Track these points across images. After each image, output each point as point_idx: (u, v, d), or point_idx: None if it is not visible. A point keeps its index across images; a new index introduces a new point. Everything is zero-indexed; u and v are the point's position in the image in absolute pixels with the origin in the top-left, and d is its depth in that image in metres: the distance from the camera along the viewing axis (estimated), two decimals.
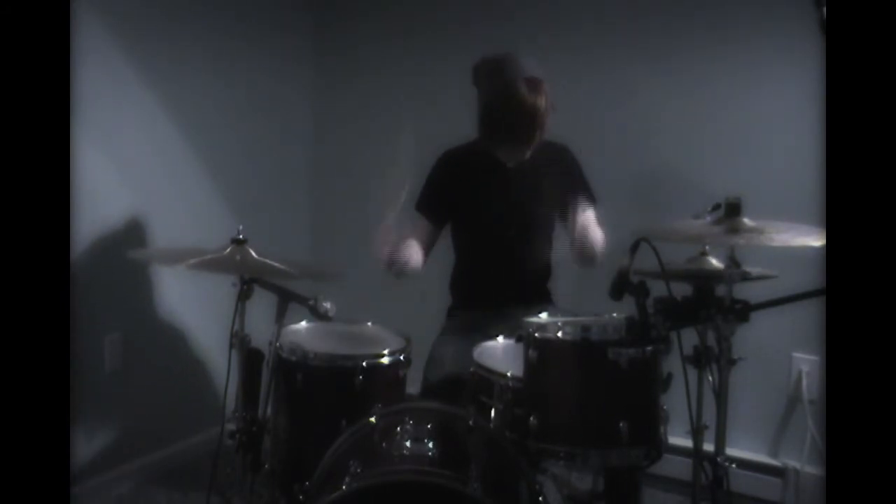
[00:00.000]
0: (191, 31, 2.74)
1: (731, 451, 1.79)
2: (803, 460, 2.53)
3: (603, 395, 1.57)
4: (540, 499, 1.61)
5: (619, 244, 1.57)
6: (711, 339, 1.79)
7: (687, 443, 1.85)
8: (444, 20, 3.08)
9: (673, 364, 1.63)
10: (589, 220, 2.16)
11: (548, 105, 2.10)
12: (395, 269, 2.11)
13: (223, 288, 1.96)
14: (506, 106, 2.08)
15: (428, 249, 2.27)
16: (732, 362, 1.74)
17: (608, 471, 1.86)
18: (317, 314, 1.80)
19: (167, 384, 2.74)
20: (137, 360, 2.61)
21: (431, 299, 2.41)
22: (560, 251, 2.36)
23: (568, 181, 2.27)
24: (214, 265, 1.85)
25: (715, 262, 1.92)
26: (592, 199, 2.34)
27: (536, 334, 1.61)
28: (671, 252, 1.64)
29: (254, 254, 1.84)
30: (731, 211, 1.69)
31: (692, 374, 1.75)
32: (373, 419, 1.63)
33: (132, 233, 2.54)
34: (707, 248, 1.96)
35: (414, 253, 2.16)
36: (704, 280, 1.79)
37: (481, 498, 1.37)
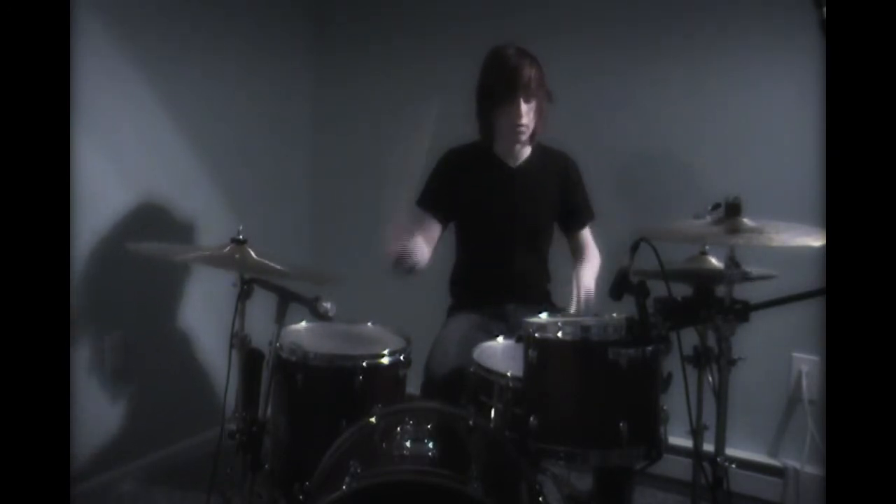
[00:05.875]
0: (191, 31, 2.74)
1: (731, 451, 1.79)
2: (803, 460, 2.53)
3: (603, 395, 1.57)
4: (540, 499, 1.62)
5: (619, 244, 1.57)
6: (711, 339, 1.79)
7: (687, 443, 1.85)
8: (444, 20, 3.08)
9: (673, 364, 1.63)
10: (590, 266, 2.26)
11: (540, 77, 2.16)
12: (404, 268, 2.12)
13: (223, 288, 1.96)
14: (492, 64, 2.19)
15: (431, 246, 2.27)
16: (732, 362, 1.74)
17: (600, 471, 1.86)
18: (317, 314, 1.80)
19: (167, 384, 2.74)
20: (138, 359, 2.61)
21: (431, 299, 2.41)
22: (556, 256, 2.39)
23: (568, 194, 2.29)
24: (212, 261, 1.85)
25: (715, 262, 1.92)
26: (591, 215, 2.36)
27: (536, 334, 1.61)
28: (671, 252, 1.64)
29: (253, 254, 1.84)
30: (731, 211, 1.69)
31: (692, 374, 1.76)
32: (373, 419, 1.64)
33: (132, 232, 2.54)
34: (707, 247, 1.97)
35: (420, 251, 2.17)
36: (704, 280, 1.79)
37: (481, 498, 1.37)
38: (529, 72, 2.13)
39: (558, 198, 2.31)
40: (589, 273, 2.24)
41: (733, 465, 1.77)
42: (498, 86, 2.16)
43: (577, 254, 2.38)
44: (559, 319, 1.79)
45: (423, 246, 2.20)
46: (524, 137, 2.20)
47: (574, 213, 2.34)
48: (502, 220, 2.26)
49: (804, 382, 2.53)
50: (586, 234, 2.38)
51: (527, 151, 2.30)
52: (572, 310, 2.11)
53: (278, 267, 1.80)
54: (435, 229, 2.29)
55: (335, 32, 3.32)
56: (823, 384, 2.01)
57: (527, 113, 2.15)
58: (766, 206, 1.73)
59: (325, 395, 1.88)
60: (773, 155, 2.54)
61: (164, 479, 2.64)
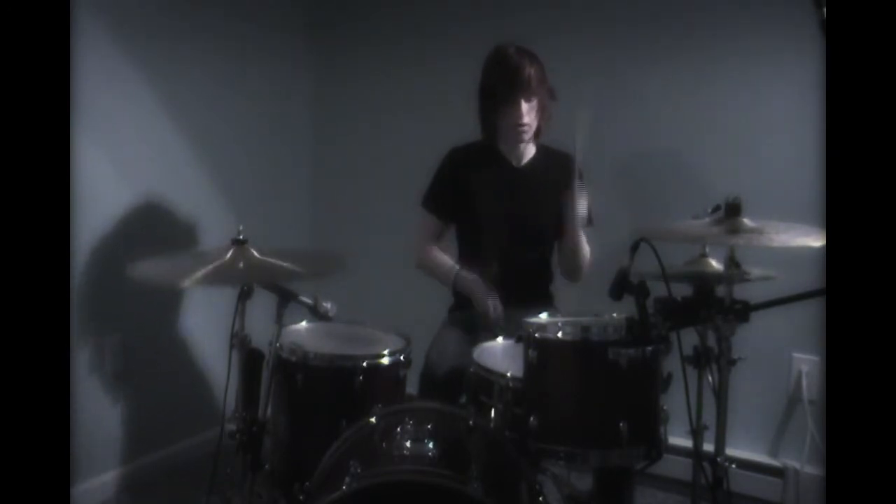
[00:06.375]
0: (191, 31, 2.74)
1: (731, 451, 1.79)
2: (803, 460, 2.53)
3: (603, 395, 1.57)
4: (540, 499, 1.62)
5: (619, 244, 1.57)
6: (711, 339, 1.79)
7: (687, 443, 1.85)
8: (444, 20, 3.08)
9: (673, 364, 1.63)
10: (581, 241, 2.26)
11: (541, 76, 2.16)
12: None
13: (223, 288, 1.95)
14: (493, 63, 2.19)
15: (444, 244, 2.34)
16: (732, 362, 1.74)
17: (600, 471, 1.86)
18: (317, 314, 1.80)
19: (167, 384, 2.74)
20: (137, 360, 2.61)
21: (431, 299, 2.41)
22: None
23: (569, 194, 2.28)
24: (219, 277, 1.80)
25: (715, 264, 1.92)
26: (589, 219, 2.36)
27: (536, 334, 1.61)
28: (671, 252, 1.64)
29: (256, 254, 1.83)
30: (731, 211, 1.69)
31: (692, 374, 1.76)
32: (373, 419, 1.63)
33: (132, 233, 2.54)
34: (707, 249, 1.97)
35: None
36: (704, 280, 1.79)
37: (481, 498, 1.37)
38: (529, 70, 2.13)
39: (559, 200, 2.29)
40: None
41: (733, 465, 1.77)
42: (498, 85, 2.17)
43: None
44: (559, 319, 1.79)
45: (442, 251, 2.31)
46: (526, 137, 2.21)
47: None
48: (505, 220, 2.26)
49: (804, 382, 2.53)
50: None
51: (531, 151, 2.30)
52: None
53: (285, 265, 1.79)
54: (439, 227, 2.34)
55: (335, 32, 3.32)
56: (823, 384, 2.01)
57: (528, 112, 2.16)
58: (766, 206, 1.73)
59: (325, 395, 1.87)
60: (773, 155, 2.54)
61: (164, 479, 2.64)
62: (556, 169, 2.30)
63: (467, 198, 2.28)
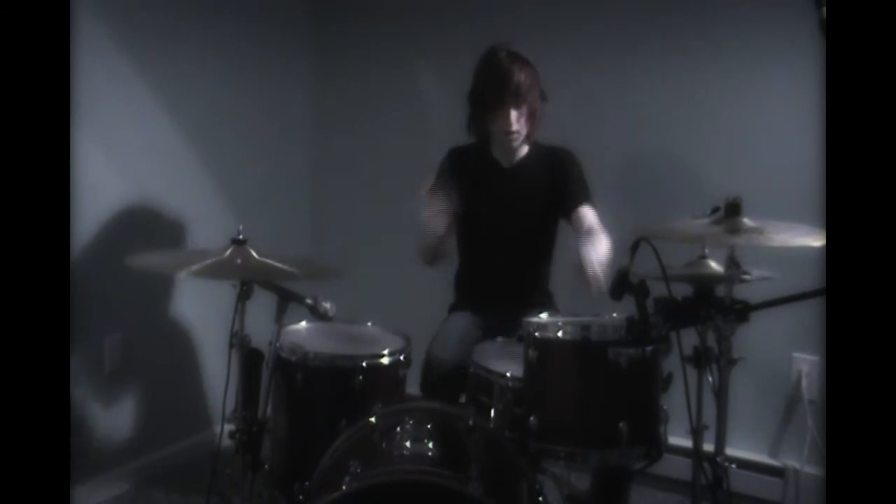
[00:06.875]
0: (191, 31, 2.74)
1: (731, 451, 1.79)
2: (803, 460, 2.53)
3: (603, 395, 1.57)
4: (540, 499, 1.62)
5: (619, 244, 1.57)
6: (711, 339, 1.79)
7: (687, 443, 1.85)
8: (443, 20, 3.08)
9: (673, 364, 1.63)
10: (597, 243, 1.93)
11: (532, 82, 2.12)
12: (435, 254, 2.13)
13: (223, 288, 1.96)
14: (483, 68, 2.16)
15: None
16: (732, 362, 1.74)
17: (599, 471, 1.86)
18: (317, 314, 1.80)
19: (167, 384, 2.74)
20: (137, 360, 2.61)
21: (431, 299, 2.41)
22: (561, 252, 2.37)
23: (559, 183, 2.24)
24: (216, 270, 1.83)
25: (714, 266, 1.92)
26: (585, 197, 2.33)
27: (536, 334, 1.61)
28: (671, 252, 1.64)
29: (255, 254, 1.83)
30: (731, 211, 1.69)
31: (692, 374, 1.76)
32: (373, 419, 1.64)
33: (132, 233, 2.54)
34: (706, 251, 1.96)
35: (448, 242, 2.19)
36: (704, 280, 1.79)
37: (481, 498, 1.37)
38: (519, 77, 2.10)
39: (551, 193, 2.27)
40: (597, 248, 1.87)
41: (733, 465, 1.77)
42: (487, 92, 2.15)
43: (580, 236, 2.25)
44: (559, 319, 1.79)
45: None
46: (515, 144, 2.20)
47: (566, 198, 2.23)
48: (499, 222, 2.26)
49: (804, 382, 2.53)
50: (587, 216, 2.14)
51: (522, 150, 2.29)
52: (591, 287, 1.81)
53: (281, 266, 1.79)
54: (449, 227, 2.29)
55: (336, 32, 3.31)
56: (823, 384, 2.01)
57: (517, 119, 2.14)
58: (766, 206, 1.73)
59: (325, 395, 1.87)
60: (773, 155, 2.54)
61: (164, 479, 2.64)
62: (546, 165, 2.28)
63: (464, 198, 2.27)
